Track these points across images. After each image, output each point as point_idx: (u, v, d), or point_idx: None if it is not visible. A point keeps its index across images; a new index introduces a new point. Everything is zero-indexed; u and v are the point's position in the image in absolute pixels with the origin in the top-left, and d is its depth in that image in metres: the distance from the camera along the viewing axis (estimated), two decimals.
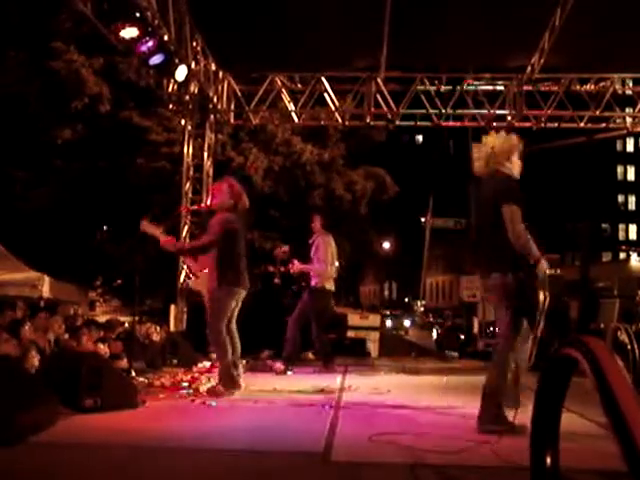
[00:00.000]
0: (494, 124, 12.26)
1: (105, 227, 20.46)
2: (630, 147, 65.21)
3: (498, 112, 11.92)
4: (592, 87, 11.69)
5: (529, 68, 11.05)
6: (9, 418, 3.74)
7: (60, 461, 3.43)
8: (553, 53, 10.10)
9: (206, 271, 6.04)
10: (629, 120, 12.34)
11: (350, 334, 11.82)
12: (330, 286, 8.38)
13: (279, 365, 7.97)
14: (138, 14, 7.69)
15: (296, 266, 8.37)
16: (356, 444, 3.83)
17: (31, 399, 4.16)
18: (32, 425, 3.89)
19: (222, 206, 5.97)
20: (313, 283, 8.25)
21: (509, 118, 11.99)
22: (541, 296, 4.95)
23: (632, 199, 66.03)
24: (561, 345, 1.85)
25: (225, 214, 5.90)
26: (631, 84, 12.41)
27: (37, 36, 16.85)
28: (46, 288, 12.31)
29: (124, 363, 6.84)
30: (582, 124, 12.00)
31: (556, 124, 12.10)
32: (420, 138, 54.58)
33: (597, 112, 11.73)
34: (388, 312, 43.24)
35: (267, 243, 18.17)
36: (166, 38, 8.50)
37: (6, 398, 3.90)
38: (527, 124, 12.06)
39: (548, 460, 1.93)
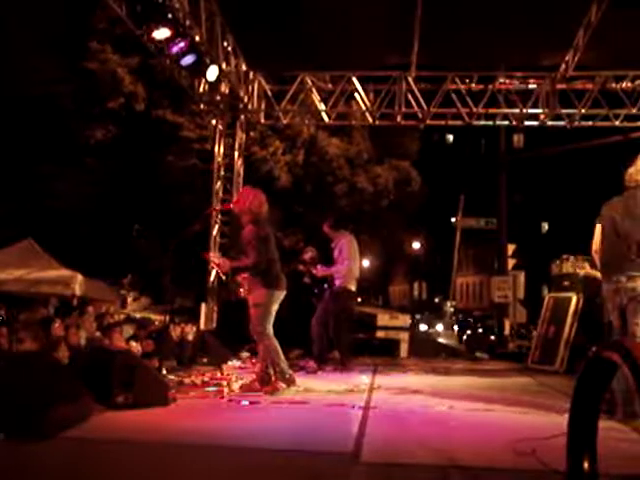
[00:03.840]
0: (526, 123, 12.16)
1: (136, 226, 20.67)
2: None
3: (530, 111, 11.74)
4: (628, 85, 11.46)
5: (563, 66, 10.90)
6: (43, 413, 3.80)
7: (92, 456, 3.48)
8: (588, 50, 9.94)
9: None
10: None
11: (380, 334, 11.78)
12: (353, 287, 8.39)
13: (312, 364, 7.99)
14: (170, 15, 7.77)
15: (320, 271, 8.40)
16: (386, 444, 3.82)
17: (65, 395, 4.22)
18: (65, 420, 3.94)
19: (244, 212, 6.07)
20: (337, 284, 8.27)
21: (542, 117, 11.83)
22: (574, 298, 4.94)
23: None
24: (599, 348, 1.81)
25: (255, 226, 5.98)
26: None
27: (73, 36, 17.10)
28: (78, 286, 12.48)
29: (155, 362, 6.92)
30: (617, 122, 11.77)
31: (590, 123, 11.90)
32: (451, 137, 54.15)
33: (633, 110, 11.51)
34: (419, 316, 43.06)
35: (291, 240, 18.20)
36: (197, 39, 8.57)
37: (40, 393, 3.97)
38: (560, 123, 11.90)
39: (585, 465, 1.89)
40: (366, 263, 25.96)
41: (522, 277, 16.51)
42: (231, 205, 8.30)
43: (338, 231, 8.49)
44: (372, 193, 20.83)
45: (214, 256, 6.13)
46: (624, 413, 4.22)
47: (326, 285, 8.46)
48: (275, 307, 5.96)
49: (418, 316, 43.80)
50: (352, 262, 8.34)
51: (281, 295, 6.01)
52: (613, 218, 4.86)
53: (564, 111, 11.77)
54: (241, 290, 6.68)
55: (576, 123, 11.81)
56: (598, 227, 5.08)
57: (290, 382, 5.91)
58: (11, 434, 3.49)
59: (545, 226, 53.97)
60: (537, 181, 44.16)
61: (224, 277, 11.21)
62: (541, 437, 3.87)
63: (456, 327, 34.83)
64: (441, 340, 27.19)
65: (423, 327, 38.14)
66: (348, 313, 8.53)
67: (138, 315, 11.02)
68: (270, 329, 5.91)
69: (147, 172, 18.53)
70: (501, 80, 11.60)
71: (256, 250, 5.85)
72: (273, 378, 5.93)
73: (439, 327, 37.36)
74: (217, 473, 3.25)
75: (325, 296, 8.41)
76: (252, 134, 16.15)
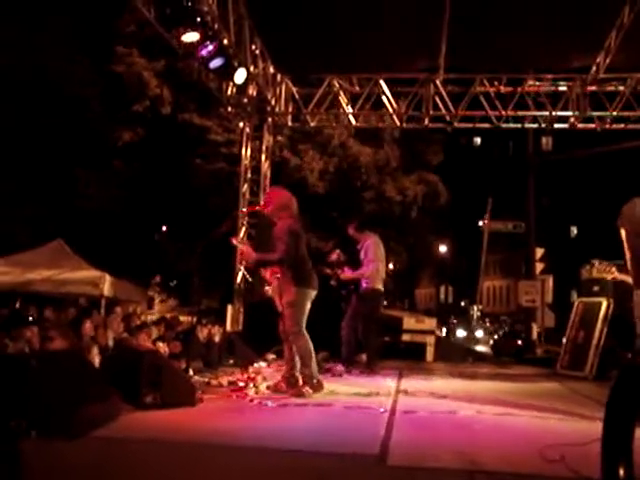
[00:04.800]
0: (555, 126, 12.03)
1: (164, 227, 20.85)
2: None
3: (560, 113, 11.62)
4: None
5: (594, 68, 10.75)
6: (72, 412, 3.84)
7: (120, 456, 3.51)
8: (620, 52, 9.78)
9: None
10: None
11: (405, 338, 11.72)
12: (380, 287, 8.37)
13: (339, 368, 7.99)
14: (199, 19, 7.81)
15: (346, 274, 8.40)
16: (412, 448, 3.81)
17: (94, 395, 4.27)
18: (94, 419, 3.99)
19: (276, 213, 6.08)
20: (364, 285, 8.26)
21: (572, 119, 11.70)
22: (604, 303, 4.87)
23: None
24: (634, 356, 1.78)
25: (286, 221, 5.99)
26: None
27: (100, 40, 17.30)
28: (106, 286, 12.61)
29: (182, 363, 6.97)
30: None
31: (622, 125, 11.74)
32: (478, 140, 53.78)
33: None
34: (455, 320, 42.71)
35: (323, 244, 18.24)
36: (226, 42, 8.62)
37: (70, 392, 4.02)
38: (591, 125, 11.76)
39: (621, 472, 1.85)
40: (392, 266, 25.90)
41: (550, 281, 16.36)
42: (260, 205, 8.34)
43: (363, 232, 8.48)
44: (399, 202, 20.85)
45: (240, 242, 6.09)
46: None
47: (353, 287, 8.46)
48: (308, 306, 5.94)
49: (454, 320, 43.40)
50: (378, 263, 8.33)
51: (313, 294, 5.99)
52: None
53: (595, 113, 11.62)
54: (267, 289, 6.66)
55: (607, 126, 11.66)
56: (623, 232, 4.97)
57: (317, 388, 5.90)
58: (42, 432, 3.53)
59: (574, 230, 53.38)
60: (566, 184, 43.68)
61: (250, 278, 11.28)
62: (570, 444, 3.82)
63: (481, 331, 34.57)
64: (468, 344, 26.97)
65: (461, 333, 37.40)
66: (377, 315, 8.52)
67: (167, 316, 11.09)
68: (304, 329, 5.90)
69: (174, 175, 18.69)
70: (530, 82, 11.49)
71: (286, 245, 5.85)
72: (300, 381, 5.93)
73: (464, 332, 37.09)
74: (243, 474, 3.26)
75: (353, 299, 8.41)
76: (280, 138, 16.20)
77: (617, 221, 4.89)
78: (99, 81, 17.89)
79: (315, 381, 5.92)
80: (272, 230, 6.10)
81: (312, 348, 5.93)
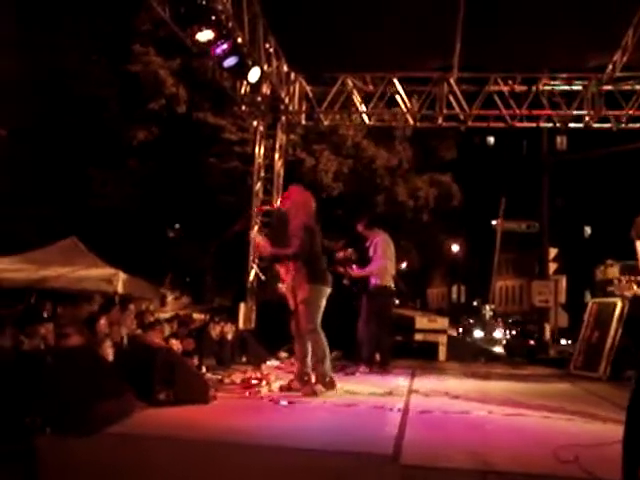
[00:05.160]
0: (570, 125, 11.94)
1: (177, 225, 20.93)
2: None
3: (575, 112, 11.53)
4: None
5: (610, 67, 10.65)
6: (86, 409, 3.86)
7: (134, 452, 3.53)
8: (637, 51, 9.66)
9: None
10: None
11: (418, 337, 11.71)
12: (390, 283, 8.37)
13: (362, 368, 7.99)
14: (213, 17, 7.84)
15: (355, 272, 8.39)
16: (425, 448, 3.80)
17: (108, 391, 4.29)
18: (109, 416, 4.00)
19: (293, 210, 6.09)
20: (373, 282, 8.25)
21: (587, 119, 11.60)
22: (619, 304, 4.82)
23: None
24: None
25: (302, 218, 6.02)
26: None
27: (117, 40, 17.36)
28: (120, 284, 12.65)
29: (195, 360, 6.99)
30: None
31: (638, 125, 11.62)
32: (492, 140, 53.53)
33: None
34: (471, 320, 42.37)
35: (331, 242, 18.24)
36: (240, 40, 8.63)
37: (85, 389, 4.04)
38: (606, 125, 11.66)
39: None
40: (404, 266, 25.87)
41: (564, 281, 16.30)
42: (278, 203, 8.33)
43: (372, 230, 8.48)
44: (412, 207, 20.81)
45: (257, 236, 6.12)
46: None
47: (360, 285, 8.45)
48: (323, 303, 5.95)
49: (471, 320, 42.98)
50: (387, 260, 8.33)
51: (327, 291, 6.00)
52: None
53: (611, 113, 11.51)
54: (280, 286, 6.65)
55: (623, 125, 11.55)
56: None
57: (330, 386, 5.91)
58: (57, 429, 3.55)
59: (588, 230, 53.05)
60: (580, 184, 43.39)
61: (263, 277, 11.29)
62: (584, 444, 3.81)
63: (497, 332, 34.31)
64: (480, 343, 26.89)
65: (479, 334, 36.55)
66: (387, 312, 8.50)
67: (181, 313, 11.13)
68: (319, 326, 5.91)
69: (188, 173, 18.75)
70: (545, 81, 11.41)
71: (301, 240, 5.87)
72: (313, 379, 5.94)
73: (481, 332, 36.78)
74: (258, 472, 3.28)
75: (363, 298, 8.40)
76: (293, 137, 16.21)
77: (631, 232, 4.84)
78: (115, 81, 17.96)
79: (327, 379, 5.93)
80: (286, 228, 6.11)
81: (327, 346, 5.93)
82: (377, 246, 8.28)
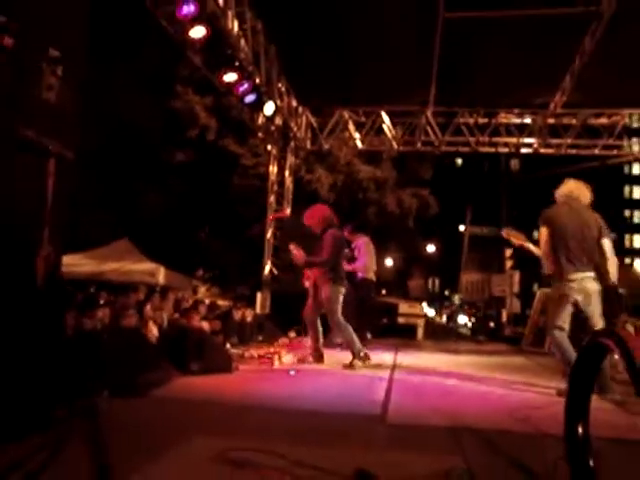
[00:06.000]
0: (522, 150, 11.98)
1: (206, 229, 20.93)
2: (636, 170, 62.77)
3: (526, 140, 11.60)
4: (605, 120, 11.34)
5: (552, 105, 10.70)
6: (135, 376, 3.87)
7: (172, 411, 3.51)
8: (573, 92, 9.77)
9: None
10: (635, 148, 11.92)
11: (401, 320, 11.69)
12: (371, 277, 8.44)
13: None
14: (237, 63, 7.84)
15: (346, 267, 8.44)
16: (407, 410, 3.77)
17: (151, 363, 4.28)
18: (152, 382, 4.00)
19: (321, 226, 6.11)
20: (359, 276, 8.31)
21: (535, 145, 11.66)
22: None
23: (637, 213, 63.83)
24: (594, 335, 1.77)
25: (332, 232, 6.05)
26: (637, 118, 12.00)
27: (162, 81, 17.44)
28: (161, 276, 12.67)
29: (221, 338, 6.97)
30: (597, 151, 11.63)
31: (574, 151, 11.71)
32: (460, 161, 53.66)
33: (610, 141, 11.39)
34: (453, 307, 41.90)
35: None
36: (258, 81, 8.63)
37: (133, 361, 4.04)
38: (550, 151, 11.73)
39: (580, 430, 1.83)
40: (389, 262, 25.83)
41: (517, 276, 16.32)
42: (282, 213, 8.28)
43: (356, 235, 8.52)
44: (398, 215, 20.75)
45: (294, 247, 6.09)
46: (599, 388, 4.09)
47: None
48: (341, 299, 5.99)
49: (457, 302, 42.21)
50: (368, 258, 8.40)
51: (343, 290, 6.05)
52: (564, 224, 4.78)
53: (554, 141, 11.61)
54: (305, 281, 6.65)
55: (563, 151, 11.65)
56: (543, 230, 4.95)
57: (365, 359, 5.88)
58: (112, 392, 3.57)
59: (535, 235, 52.93)
60: (530, 197, 43.30)
61: (276, 272, 11.28)
62: (534, 406, 3.80)
63: (462, 317, 34.15)
64: (452, 325, 26.82)
65: (462, 319, 35.57)
66: (369, 299, 8.56)
67: (207, 301, 11.12)
68: (341, 317, 5.93)
69: (215, 188, 18.80)
70: (502, 115, 11.48)
71: (331, 249, 5.90)
72: (324, 355, 5.99)
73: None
74: (264, 427, 3.24)
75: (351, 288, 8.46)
76: (298, 160, 16.21)
77: (539, 221, 4.99)
78: (161, 114, 18.01)
79: (363, 354, 5.90)
80: (303, 236, 6.13)
81: (352, 330, 5.93)
82: (360, 248, 8.35)
